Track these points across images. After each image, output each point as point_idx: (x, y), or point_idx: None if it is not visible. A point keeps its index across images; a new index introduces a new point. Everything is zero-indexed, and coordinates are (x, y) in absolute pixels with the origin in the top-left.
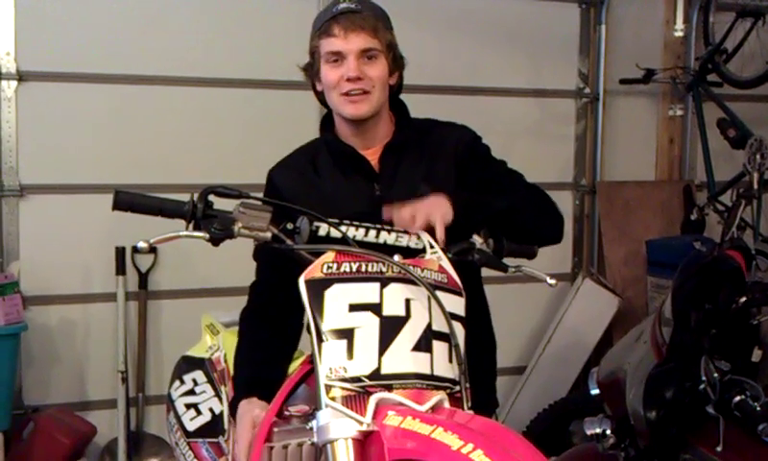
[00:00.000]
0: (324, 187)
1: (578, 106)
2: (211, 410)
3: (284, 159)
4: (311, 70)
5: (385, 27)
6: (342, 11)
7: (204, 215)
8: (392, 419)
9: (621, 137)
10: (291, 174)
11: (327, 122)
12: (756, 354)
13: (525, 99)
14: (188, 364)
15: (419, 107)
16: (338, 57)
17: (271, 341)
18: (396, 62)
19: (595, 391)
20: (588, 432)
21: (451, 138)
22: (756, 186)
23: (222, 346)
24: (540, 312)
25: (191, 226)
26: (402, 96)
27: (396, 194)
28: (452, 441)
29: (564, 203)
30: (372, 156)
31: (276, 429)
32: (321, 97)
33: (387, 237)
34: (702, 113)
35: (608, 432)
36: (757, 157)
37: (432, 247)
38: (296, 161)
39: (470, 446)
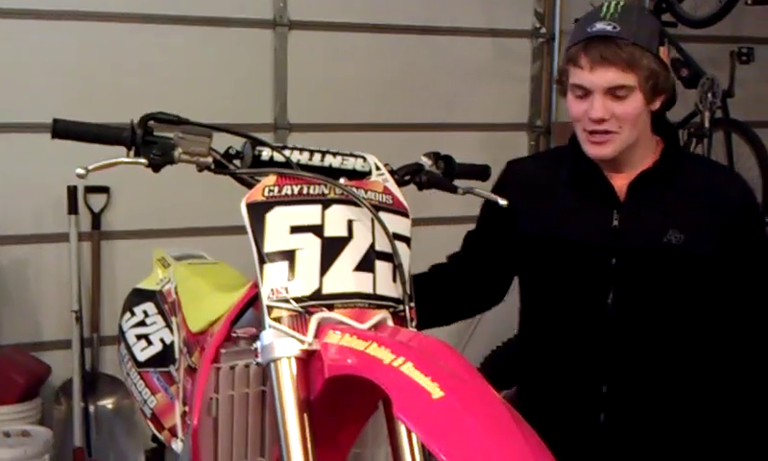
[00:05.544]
0: (558, 202)
1: (533, 46)
2: (162, 341)
3: (528, 156)
4: (562, 86)
5: (645, 51)
6: (596, 34)
7: (145, 142)
8: (331, 336)
9: None
10: (531, 171)
11: None
12: None
13: (480, 39)
14: (139, 296)
15: (371, 46)
16: (583, 91)
17: (444, 273)
18: (658, 89)
19: None
20: None
21: (727, 191)
22: (707, 125)
23: (173, 278)
24: None
25: (131, 153)
26: (360, 36)
27: (636, 231)
28: (384, 355)
29: (520, 144)
30: (622, 180)
31: (223, 351)
32: None
33: (332, 160)
34: None
35: None
36: (709, 96)
37: (378, 169)
38: (539, 163)
39: (401, 359)
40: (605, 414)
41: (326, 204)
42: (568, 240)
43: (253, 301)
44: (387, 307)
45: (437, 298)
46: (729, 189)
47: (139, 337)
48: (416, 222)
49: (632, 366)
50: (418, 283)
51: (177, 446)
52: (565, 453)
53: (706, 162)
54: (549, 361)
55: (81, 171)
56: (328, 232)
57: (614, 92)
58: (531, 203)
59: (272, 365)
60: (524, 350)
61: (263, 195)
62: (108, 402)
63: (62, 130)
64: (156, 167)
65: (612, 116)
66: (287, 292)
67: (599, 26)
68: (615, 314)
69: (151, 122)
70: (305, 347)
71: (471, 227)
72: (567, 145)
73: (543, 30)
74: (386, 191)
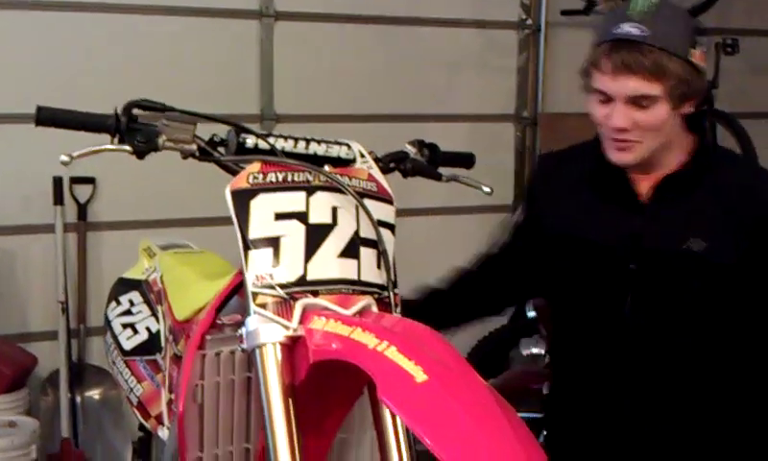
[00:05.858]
0: (580, 202)
1: (520, 37)
2: (148, 329)
3: (560, 150)
4: (586, 84)
5: (673, 57)
6: (620, 37)
7: (129, 129)
8: (316, 322)
9: (563, 69)
10: (558, 167)
11: None
12: None
13: (466, 30)
14: (124, 286)
15: (358, 37)
16: (605, 96)
17: (470, 271)
18: (688, 95)
19: (532, 314)
20: (525, 353)
21: (757, 191)
22: None
23: (158, 267)
24: (481, 243)
25: (116, 140)
26: (347, 27)
27: (656, 236)
28: (369, 340)
29: (506, 135)
30: (649, 182)
31: (208, 338)
32: None
33: (317, 148)
34: None
35: (543, 352)
36: None
37: (363, 156)
38: (567, 158)
39: (385, 343)
40: (621, 418)
41: (311, 191)
42: (588, 241)
43: (239, 288)
44: (371, 293)
45: (482, 284)
46: (760, 190)
47: (125, 326)
48: (400, 212)
49: (647, 372)
50: (463, 274)
51: (163, 433)
52: (579, 455)
53: (738, 161)
54: (570, 363)
55: (65, 158)
56: (313, 219)
57: (637, 101)
58: (553, 200)
59: (257, 351)
60: (554, 347)
61: (248, 182)
62: (94, 393)
63: (46, 117)
64: (140, 154)
65: (633, 126)
66: (272, 278)
67: (625, 28)
68: (632, 320)
69: (135, 110)
70: (290, 333)
71: (455, 217)
72: (593, 141)
73: (530, 21)
74: (370, 178)
